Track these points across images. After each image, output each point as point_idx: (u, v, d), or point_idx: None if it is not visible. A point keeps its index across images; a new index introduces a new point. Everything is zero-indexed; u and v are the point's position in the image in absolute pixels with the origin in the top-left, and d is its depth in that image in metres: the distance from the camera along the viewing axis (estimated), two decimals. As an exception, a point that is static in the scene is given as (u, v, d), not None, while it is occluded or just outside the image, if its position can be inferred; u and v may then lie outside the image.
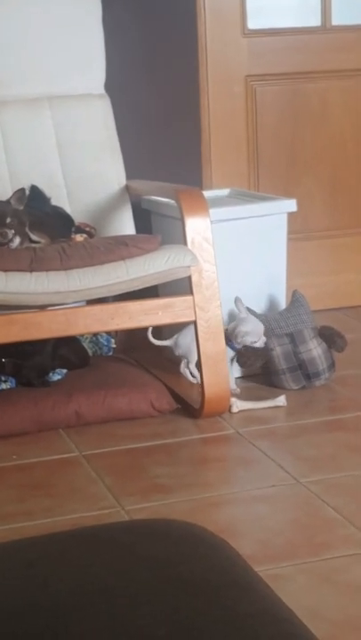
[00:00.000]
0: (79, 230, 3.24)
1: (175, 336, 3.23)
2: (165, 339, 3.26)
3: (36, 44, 3.42)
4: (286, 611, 1.16)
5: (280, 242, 3.40)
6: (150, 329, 3.21)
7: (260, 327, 3.15)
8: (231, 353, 3.15)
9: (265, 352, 3.19)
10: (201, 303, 2.97)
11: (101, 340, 3.44)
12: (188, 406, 3.09)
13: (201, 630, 1.08)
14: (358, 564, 2.16)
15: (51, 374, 3.16)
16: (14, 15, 3.39)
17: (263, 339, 3.15)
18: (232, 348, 3.15)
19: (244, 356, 3.19)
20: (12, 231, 3.00)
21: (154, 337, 3.23)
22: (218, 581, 1.19)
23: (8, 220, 3.00)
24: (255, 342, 3.14)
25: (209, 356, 2.99)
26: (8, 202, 3.07)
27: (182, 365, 3.26)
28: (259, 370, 3.25)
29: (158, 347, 3.53)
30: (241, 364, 3.20)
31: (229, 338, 3.12)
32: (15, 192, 3.09)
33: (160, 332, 3.28)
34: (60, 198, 3.35)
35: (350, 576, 2.11)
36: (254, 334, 3.14)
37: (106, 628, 1.09)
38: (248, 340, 3.13)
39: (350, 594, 2.04)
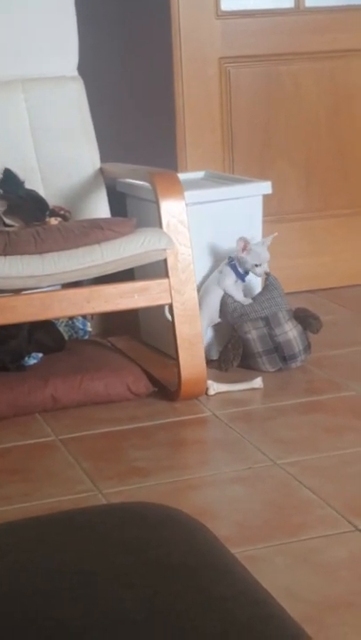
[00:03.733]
0: (54, 214, 3.23)
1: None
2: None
3: (9, 26, 3.39)
4: (263, 592, 1.17)
5: (255, 224, 3.40)
6: (167, 307, 3.17)
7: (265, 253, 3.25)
8: (232, 276, 3.23)
9: (241, 343, 3.21)
10: (177, 286, 2.97)
11: (77, 323, 3.43)
12: (165, 389, 3.10)
13: (179, 613, 1.08)
14: (335, 544, 2.17)
15: (26, 358, 3.15)
16: (-14, -3, 3.37)
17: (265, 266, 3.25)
18: (237, 273, 3.24)
19: (224, 354, 3.22)
20: None
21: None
22: (195, 564, 1.20)
23: None
24: (268, 273, 3.26)
25: (185, 338, 2.99)
26: None
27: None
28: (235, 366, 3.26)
29: (135, 329, 3.53)
30: (220, 363, 3.22)
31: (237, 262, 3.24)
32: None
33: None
34: (33, 182, 3.33)
35: (327, 556, 2.12)
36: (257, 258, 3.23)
37: (84, 611, 1.09)
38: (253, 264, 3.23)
39: (327, 574, 2.05)
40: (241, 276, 3.25)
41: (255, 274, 3.24)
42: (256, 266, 3.22)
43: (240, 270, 3.25)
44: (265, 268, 3.24)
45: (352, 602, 1.95)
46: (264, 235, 3.42)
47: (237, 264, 3.24)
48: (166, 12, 3.75)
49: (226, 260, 3.26)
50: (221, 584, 1.15)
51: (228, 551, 1.26)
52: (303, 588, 1.99)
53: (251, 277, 3.31)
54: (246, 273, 3.25)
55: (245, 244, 3.21)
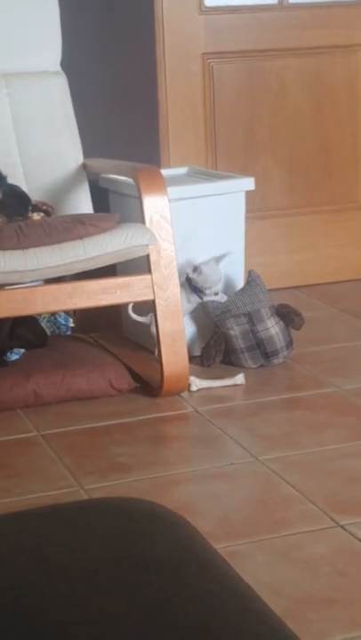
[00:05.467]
0: (36, 209, 3.22)
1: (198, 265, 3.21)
2: (145, 315, 3.21)
3: (-9, 20, 3.38)
4: (245, 587, 1.17)
5: (238, 220, 3.40)
6: (131, 304, 3.17)
7: (217, 275, 3.21)
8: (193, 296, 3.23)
9: (224, 339, 3.21)
10: (159, 282, 2.97)
11: (59, 319, 3.42)
12: (147, 385, 3.09)
13: (160, 607, 1.08)
14: (316, 540, 2.18)
15: (8, 354, 3.14)
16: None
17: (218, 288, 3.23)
18: (196, 290, 3.23)
19: (206, 351, 3.21)
20: None
21: (134, 312, 3.20)
22: (177, 559, 1.20)
23: None
24: (216, 293, 3.23)
25: (167, 334, 2.99)
26: None
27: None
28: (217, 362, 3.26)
29: (117, 325, 3.53)
30: (202, 359, 3.21)
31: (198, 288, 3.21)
32: None
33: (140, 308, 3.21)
34: (16, 177, 3.32)
35: (308, 552, 2.13)
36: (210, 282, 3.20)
37: (65, 606, 1.09)
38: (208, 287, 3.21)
39: (308, 570, 2.06)
40: (200, 295, 3.23)
41: (207, 295, 3.22)
42: (206, 289, 3.21)
43: (197, 287, 3.22)
44: (217, 289, 3.22)
45: (333, 597, 1.95)
46: (246, 231, 3.42)
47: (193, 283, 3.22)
48: (150, 7, 3.75)
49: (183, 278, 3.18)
50: (203, 578, 1.15)
51: (210, 546, 1.26)
52: (284, 583, 2.00)
53: (229, 272, 3.32)
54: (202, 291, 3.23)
55: (195, 267, 3.19)
